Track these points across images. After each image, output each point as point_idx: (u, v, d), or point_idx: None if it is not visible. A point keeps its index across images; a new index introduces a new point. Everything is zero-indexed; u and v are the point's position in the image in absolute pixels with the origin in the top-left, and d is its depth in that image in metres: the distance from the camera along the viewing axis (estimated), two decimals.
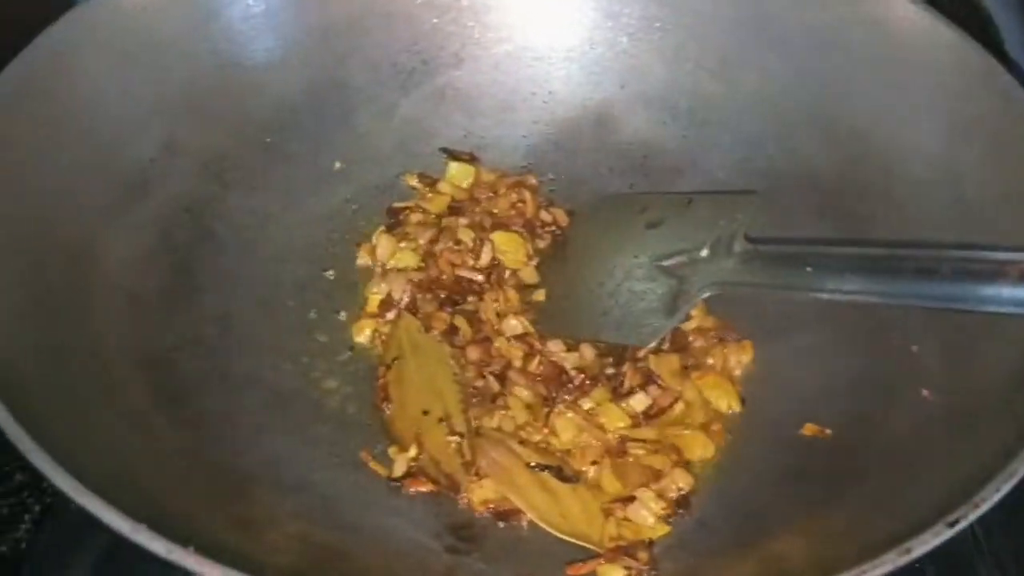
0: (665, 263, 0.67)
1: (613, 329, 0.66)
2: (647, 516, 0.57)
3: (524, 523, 0.57)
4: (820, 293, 0.59)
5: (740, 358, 0.67)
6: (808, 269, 0.59)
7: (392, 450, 0.61)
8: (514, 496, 0.58)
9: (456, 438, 0.60)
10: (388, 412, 0.63)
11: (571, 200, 0.76)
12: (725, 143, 0.75)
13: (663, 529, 0.57)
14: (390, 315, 0.68)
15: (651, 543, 0.56)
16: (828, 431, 0.60)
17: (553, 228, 0.74)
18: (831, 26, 0.71)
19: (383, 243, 0.71)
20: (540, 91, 0.79)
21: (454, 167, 0.75)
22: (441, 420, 0.61)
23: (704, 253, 0.66)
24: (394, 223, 0.73)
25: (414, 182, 0.75)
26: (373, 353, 0.67)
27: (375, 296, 0.68)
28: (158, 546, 0.37)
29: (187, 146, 0.67)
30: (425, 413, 0.62)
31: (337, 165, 0.74)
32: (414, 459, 0.60)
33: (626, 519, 0.57)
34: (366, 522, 0.57)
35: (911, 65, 0.67)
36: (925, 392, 0.57)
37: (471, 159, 0.76)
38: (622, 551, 0.54)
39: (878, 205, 0.68)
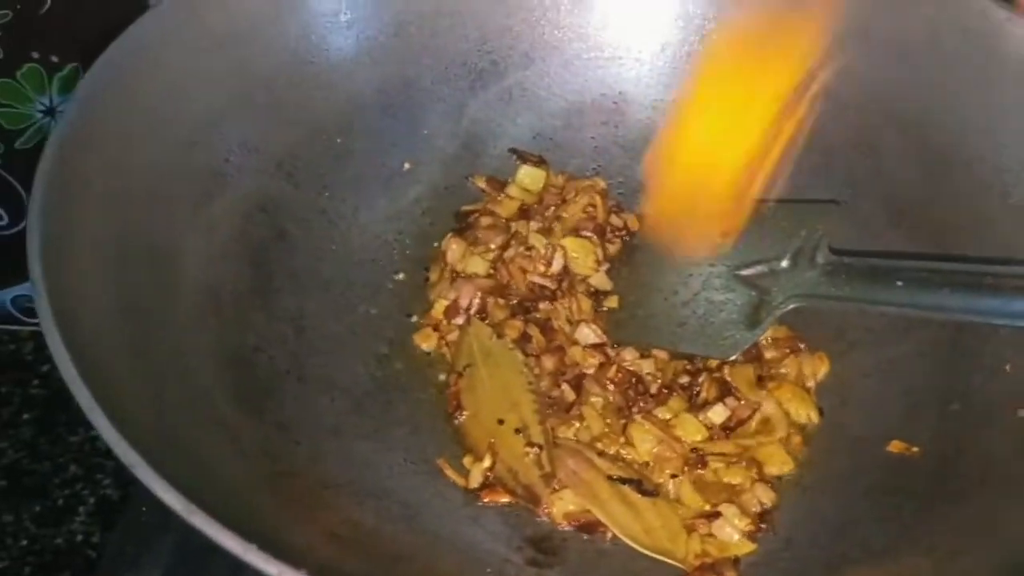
0: (743, 272, 0.66)
1: (691, 340, 0.65)
2: (732, 532, 0.56)
3: (608, 537, 0.56)
4: (912, 310, 0.57)
5: (815, 370, 0.66)
6: (899, 284, 0.58)
7: (467, 460, 0.60)
8: (596, 509, 0.57)
9: (534, 449, 0.59)
10: (460, 421, 0.62)
11: (640, 205, 0.75)
12: (802, 149, 0.74)
13: (748, 546, 0.56)
14: (458, 320, 0.67)
15: (737, 561, 0.55)
16: (915, 449, 0.59)
17: (623, 233, 0.73)
18: (918, 27, 0.69)
19: (454, 247, 0.70)
20: (610, 92, 0.78)
21: (525, 171, 0.74)
22: (517, 431, 0.60)
23: (785, 264, 0.64)
24: (463, 227, 0.72)
25: (483, 184, 0.74)
26: (444, 359, 0.66)
27: (441, 302, 0.68)
28: (271, 568, 0.37)
29: (262, 144, 0.67)
30: (500, 423, 0.61)
31: (406, 166, 0.74)
32: (489, 469, 0.59)
33: (710, 535, 0.56)
34: (444, 531, 0.56)
35: (1004, 72, 0.65)
36: (1022, 413, 0.55)
37: (541, 162, 0.75)
38: (709, 568, 0.54)
39: (965, 218, 0.66)
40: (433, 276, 0.70)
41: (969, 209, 0.66)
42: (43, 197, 0.50)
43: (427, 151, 0.74)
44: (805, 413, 0.63)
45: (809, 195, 0.72)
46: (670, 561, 0.55)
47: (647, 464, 0.60)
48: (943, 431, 0.59)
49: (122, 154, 0.57)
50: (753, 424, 0.63)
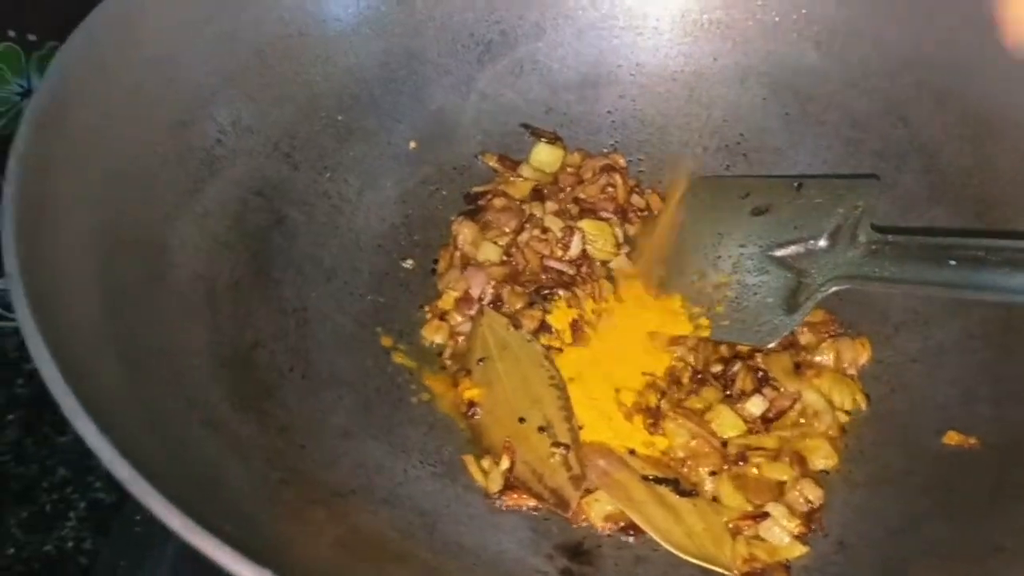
0: (778, 253, 0.62)
1: (722, 327, 0.61)
2: (782, 534, 0.52)
3: (648, 541, 0.52)
4: (967, 291, 0.53)
5: (856, 356, 0.61)
6: (952, 263, 0.53)
7: (485, 462, 0.56)
8: (632, 513, 0.52)
9: (560, 449, 0.55)
10: (476, 419, 0.58)
11: (662, 183, 0.70)
12: (832, 121, 0.69)
13: (800, 549, 0.52)
14: (471, 312, 0.62)
15: (788, 566, 0.51)
16: (973, 440, 0.54)
17: (645, 214, 0.69)
18: None
19: (465, 231, 0.65)
20: (626, 64, 0.73)
21: (542, 150, 0.69)
22: (541, 429, 0.56)
23: (823, 243, 0.60)
24: (474, 209, 0.67)
25: (494, 163, 0.70)
26: (457, 352, 0.61)
27: (450, 293, 0.63)
28: None
29: (256, 123, 0.62)
30: (521, 420, 0.56)
31: (412, 145, 0.69)
32: (509, 471, 0.55)
33: (757, 537, 0.52)
34: (468, 541, 0.52)
35: None
36: None
37: (556, 138, 0.70)
38: (759, 575, 0.49)
39: (1012, 192, 0.61)
40: (442, 264, 0.65)
41: (1016, 181, 0.62)
42: (17, 183, 0.45)
43: (434, 128, 0.69)
44: (851, 399, 0.59)
45: (839, 170, 0.67)
46: (715, 568, 0.51)
47: (683, 461, 0.56)
48: (1002, 420, 0.54)
49: (103, 135, 0.52)
50: (793, 415, 0.58)
